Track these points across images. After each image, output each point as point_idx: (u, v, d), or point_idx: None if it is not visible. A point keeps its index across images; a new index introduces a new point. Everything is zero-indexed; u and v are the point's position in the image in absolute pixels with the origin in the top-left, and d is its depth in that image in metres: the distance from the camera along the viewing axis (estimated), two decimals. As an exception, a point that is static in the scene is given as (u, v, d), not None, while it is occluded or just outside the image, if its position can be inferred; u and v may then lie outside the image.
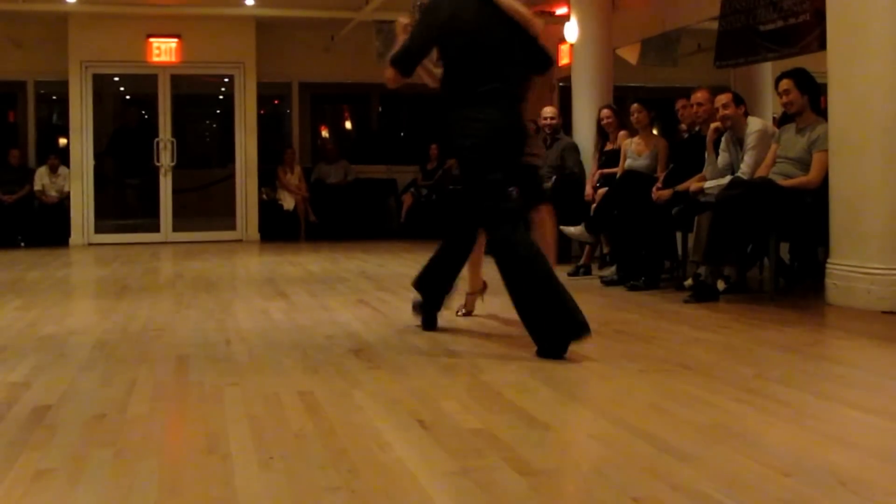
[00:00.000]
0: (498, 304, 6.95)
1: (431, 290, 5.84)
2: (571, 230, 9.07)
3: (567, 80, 12.11)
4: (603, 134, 9.83)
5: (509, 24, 5.16)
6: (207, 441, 3.40)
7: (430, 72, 5.62)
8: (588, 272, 8.99)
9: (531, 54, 5.29)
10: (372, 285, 8.40)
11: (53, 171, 14.54)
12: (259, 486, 2.88)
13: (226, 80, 15.49)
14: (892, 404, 3.94)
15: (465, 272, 6.01)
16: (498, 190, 5.11)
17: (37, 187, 14.50)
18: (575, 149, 10.43)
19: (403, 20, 5.53)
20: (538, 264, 4.91)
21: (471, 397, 4.08)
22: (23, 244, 14.16)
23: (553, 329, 4.84)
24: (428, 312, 5.89)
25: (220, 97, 16.38)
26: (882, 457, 3.11)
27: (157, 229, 14.76)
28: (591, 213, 8.87)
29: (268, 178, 15.15)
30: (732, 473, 2.90)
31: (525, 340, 5.06)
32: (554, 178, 10.14)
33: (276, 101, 17.30)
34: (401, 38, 5.40)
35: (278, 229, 14.84)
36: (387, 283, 8.51)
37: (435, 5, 5.24)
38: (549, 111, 10.67)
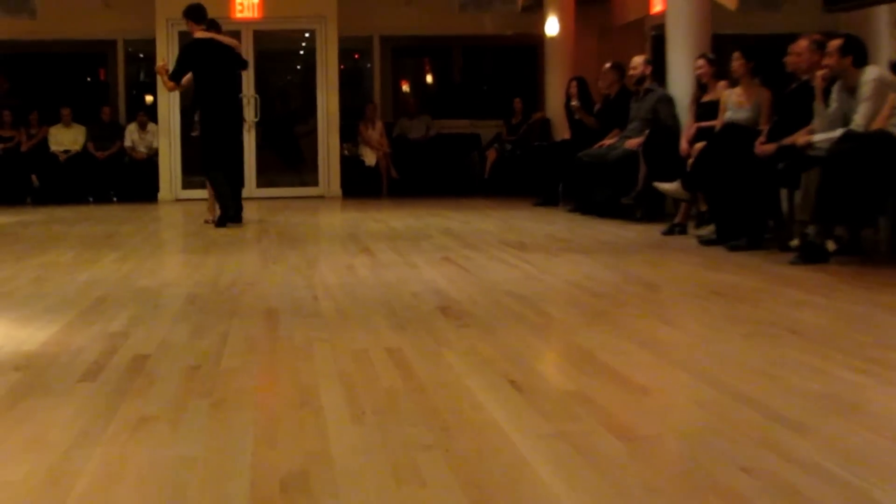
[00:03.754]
0: (589, 263, 6.93)
1: None
2: (666, 187, 8.93)
3: (661, 27, 11.87)
4: (700, 85, 9.64)
5: None
6: (300, 395, 3.44)
7: None
8: (684, 231, 8.85)
9: None
10: (457, 242, 8.36)
11: (142, 127, 14.83)
12: (353, 440, 2.91)
13: (307, 34, 15.53)
14: None
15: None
16: None
17: (127, 143, 14.80)
18: (669, 101, 10.24)
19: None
20: None
21: (564, 358, 4.05)
22: (115, 199, 14.54)
23: None
24: None
25: (301, 53, 16.43)
26: None
27: (242, 184, 14.91)
28: (688, 169, 8.71)
29: (349, 133, 15.19)
30: (851, 446, 2.79)
31: (620, 299, 5.00)
32: (647, 132, 10.00)
33: (356, 56, 17.29)
34: None
35: (360, 185, 14.87)
36: (472, 241, 8.46)
37: None
38: (636, 61, 10.49)
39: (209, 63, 10.27)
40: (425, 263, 7.00)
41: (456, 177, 15.22)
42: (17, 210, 12.98)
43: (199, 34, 10.40)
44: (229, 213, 10.09)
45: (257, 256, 7.76)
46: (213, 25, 10.66)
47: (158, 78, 11.51)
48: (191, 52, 10.46)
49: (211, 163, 10.33)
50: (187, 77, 10.37)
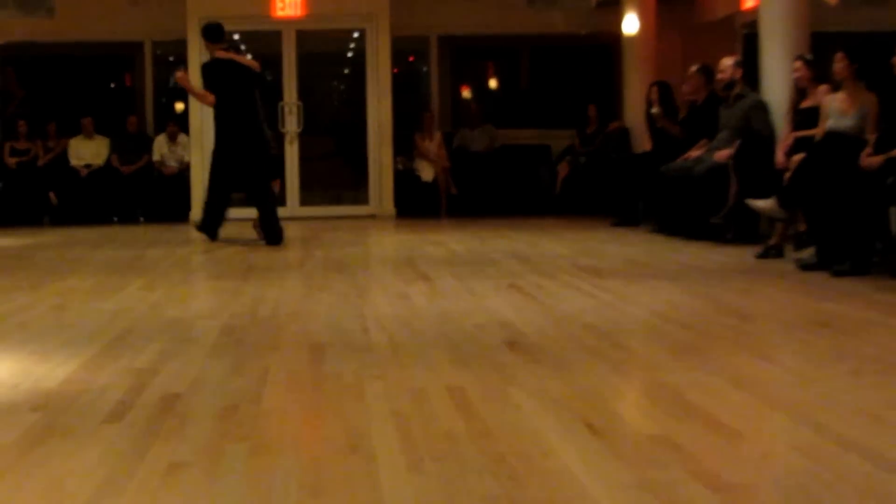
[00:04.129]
0: (674, 291, 6.90)
1: None
2: (760, 204, 8.88)
3: (753, 25, 11.82)
4: (798, 90, 9.58)
5: None
6: (349, 439, 3.47)
7: None
8: (780, 254, 8.79)
9: None
10: (525, 267, 8.38)
11: (172, 139, 14.91)
12: (409, 490, 2.92)
13: (356, 34, 15.63)
14: None
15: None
16: None
17: (155, 157, 14.87)
18: (763, 107, 10.18)
19: None
20: None
21: (647, 398, 4.05)
22: (142, 219, 14.65)
23: None
24: None
25: (349, 55, 16.55)
26: None
27: (283, 202, 14.97)
28: (785, 184, 8.66)
29: (404, 145, 15.24)
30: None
31: (710, 332, 4.99)
32: (738, 142, 9.95)
33: (411, 58, 17.38)
34: None
35: (416, 203, 14.92)
36: (542, 266, 8.47)
37: None
38: (725, 63, 10.45)
39: (227, 84, 10.87)
40: (490, 291, 7.03)
41: (523, 194, 15.21)
42: (33, 231, 13.20)
43: (220, 54, 10.99)
44: (207, 223, 10.99)
45: (301, 283, 7.83)
46: (232, 47, 11.19)
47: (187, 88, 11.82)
48: (211, 71, 11.10)
49: (216, 181, 10.97)
50: (210, 96, 11.09)
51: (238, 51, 11.42)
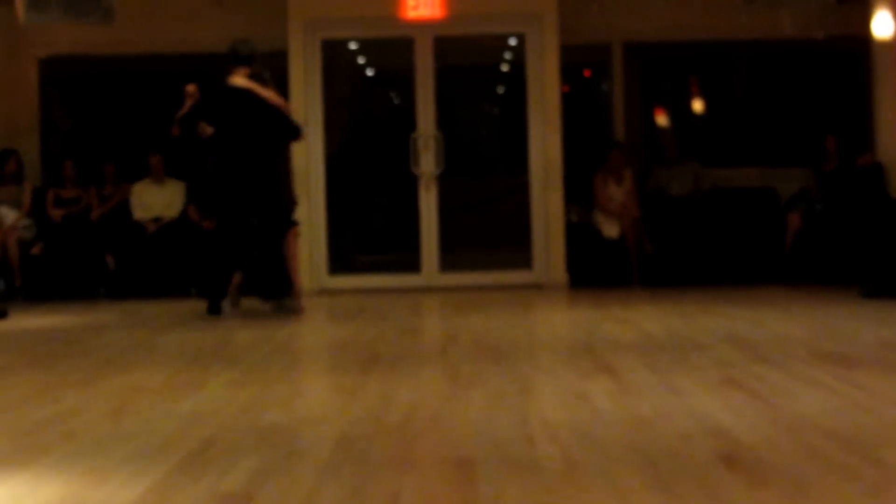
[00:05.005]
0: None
1: None
2: None
3: None
4: None
5: None
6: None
7: None
8: None
9: None
10: (745, 355, 8.33)
11: (268, 183, 15.22)
12: None
13: (512, 42, 15.72)
14: None
15: None
16: None
17: (244, 207, 15.20)
18: None
19: None
20: None
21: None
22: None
23: None
24: None
25: (504, 69, 16.64)
26: None
27: (416, 268, 15.14)
28: None
29: (579, 189, 15.25)
30: None
31: None
32: None
33: (587, 73, 17.42)
34: None
35: (596, 267, 14.92)
36: (767, 353, 8.42)
37: None
38: None
39: (233, 120, 11.58)
40: (697, 388, 7.01)
41: (740, 253, 15.11)
42: (85, 307, 13.51)
43: (237, 80, 11.60)
44: (209, 294, 11.80)
45: (442, 378, 7.90)
46: (258, 76, 11.72)
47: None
48: (217, 98, 11.78)
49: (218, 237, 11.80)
50: (208, 128, 11.76)
51: (264, 82, 11.79)
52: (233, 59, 11.65)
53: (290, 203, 12.25)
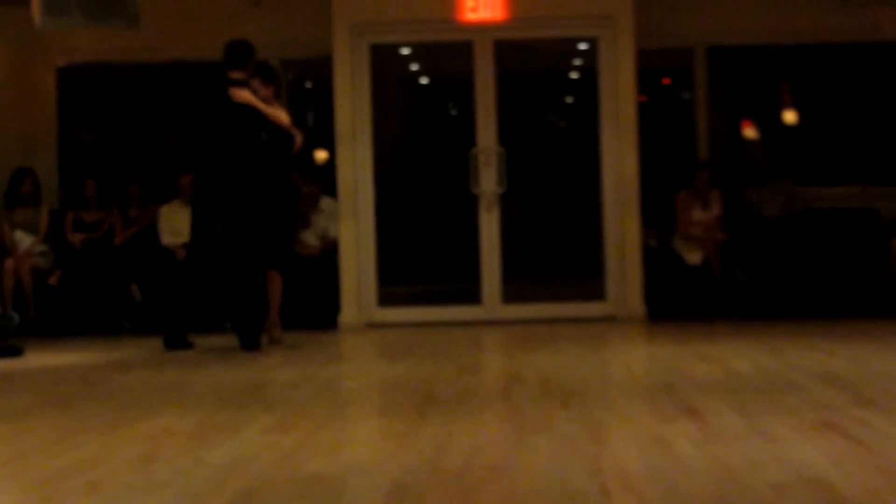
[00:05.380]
0: None
1: None
2: None
3: None
4: None
5: None
6: None
7: None
8: None
9: None
10: (846, 397, 8.32)
11: (312, 204, 15.27)
12: None
13: (582, 46, 15.76)
14: None
15: None
16: None
17: (286, 231, 15.29)
18: None
19: None
20: None
21: None
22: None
23: None
24: None
25: (573, 76, 16.67)
26: None
27: (476, 299, 15.21)
28: None
29: (657, 211, 15.28)
30: None
31: None
32: None
33: (666, 81, 17.42)
34: None
35: (677, 298, 14.92)
36: (872, 394, 8.41)
37: None
38: None
39: (223, 133, 11.91)
40: (792, 434, 6.99)
41: (838, 281, 15.07)
42: (108, 343, 13.60)
43: (239, 94, 11.90)
44: (244, 327, 12.07)
45: (506, 422, 7.93)
46: (270, 76, 12.11)
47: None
48: (211, 114, 12.14)
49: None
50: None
51: (278, 84, 11.90)
52: (226, 62, 11.79)
53: (284, 236, 12.78)
